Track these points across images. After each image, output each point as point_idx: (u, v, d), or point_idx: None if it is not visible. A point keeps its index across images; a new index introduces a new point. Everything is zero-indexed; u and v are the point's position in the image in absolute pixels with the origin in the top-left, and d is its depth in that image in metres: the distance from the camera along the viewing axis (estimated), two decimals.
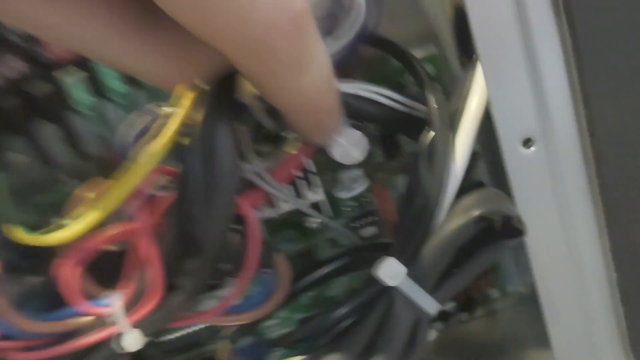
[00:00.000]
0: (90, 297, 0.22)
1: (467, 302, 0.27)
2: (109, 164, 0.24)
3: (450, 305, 0.26)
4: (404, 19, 0.25)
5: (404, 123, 0.22)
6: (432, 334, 0.26)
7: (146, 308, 0.21)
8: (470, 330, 0.29)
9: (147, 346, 0.27)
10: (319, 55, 0.17)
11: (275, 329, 0.28)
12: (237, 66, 0.16)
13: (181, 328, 0.28)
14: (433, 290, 0.20)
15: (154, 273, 0.21)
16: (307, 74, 0.16)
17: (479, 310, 0.29)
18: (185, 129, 0.20)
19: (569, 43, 0.18)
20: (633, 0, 0.18)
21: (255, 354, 0.28)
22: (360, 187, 0.25)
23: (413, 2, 0.25)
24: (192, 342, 0.28)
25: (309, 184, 0.23)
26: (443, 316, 0.26)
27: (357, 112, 0.21)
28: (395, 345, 0.20)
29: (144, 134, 0.22)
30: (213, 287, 0.25)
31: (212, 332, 0.28)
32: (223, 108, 0.18)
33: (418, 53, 0.25)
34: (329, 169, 0.25)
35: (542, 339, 0.23)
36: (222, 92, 0.18)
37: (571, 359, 0.23)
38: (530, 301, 0.23)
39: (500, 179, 0.22)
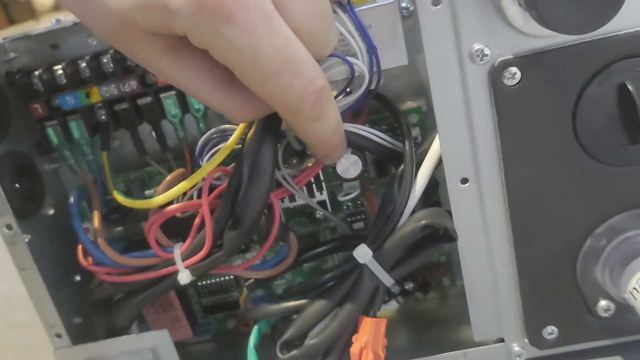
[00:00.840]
0: (161, 245, 0.32)
1: (424, 285, 0.37)
2: (184, 157, 0.34)
3: (410, 286, 0.36)
4: (403, 77, 0.35)
5: (387, 155, 0.32)
6: (394, 305, 0.36)
7: (196, 258, 0.31)
8: (425, 307, 0.39)
9: (190, 286, 0.38)
10: (332, 111, 0.27)
11: (281, 287, 0.39)
12: (280, 115, 0.26)
13: (216, 276, 0.38)
14: (390, 269, 0.30)
15: (206, 235, 0.31)
16: (322, 124, 0.26)
17: (433, 294, 0.39)
18: (241, 142, 0.30)
19: (497, 124, 0.28)
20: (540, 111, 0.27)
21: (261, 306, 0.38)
22: (355, 193, 0.35)
23: (413, 66, 0.34)
24: (221, 288, 0.39)
25: (318, 187, 0.33)
26: (404, 293, 0.36)
27: (356, 144, 0.31)
28: (360, 301, 0.30)
29: (212, 142, 0.32)
30: (242, 251, 0.36)
31: (236, 283, 0.39)
32: (269, 132, 0.28)
33: (410, 104, 0.35)
34: (334, 178, 0.35)
35: None
36: (269, 123, 0.28)
37: (484, 333, 0.33)
38: None
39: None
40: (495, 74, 0.27)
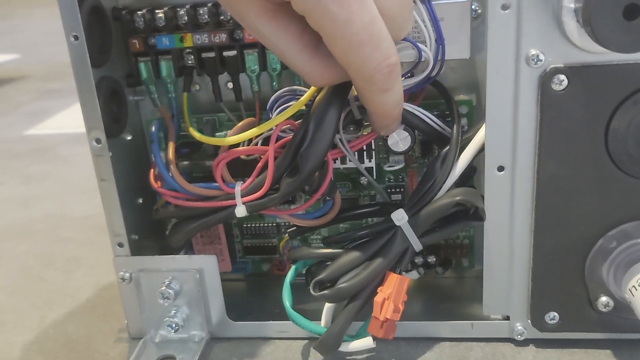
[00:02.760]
0: (225, 180, 0.36)
1: (445, 261, 0.41)
2: (254, 108, 0.39)
3: (432, 260, 0.40)
4: (460, 72, 0.38)
5: (435, 136, 0.36)
6: (415, 275, 0.40)
7: (254, 196, 0.36)
8: (442, 283, 0.43)
9: (235, 227, 0.43)
10: (398, 87, 0.31)
11: (317, 241, 0.43)
12: (352, 82, 0.30)
13: (261, 220, 0.43)
14: (420, 235, 0.34)
15: (267, 177, 0.35)
16: (387, 96, 0.30)
17: (451, 273, 0.43)
18: (310, 102, 0.34)
19: (539, 122, 0.32)
20: (581, 112, 0.31)
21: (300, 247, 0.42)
22: (399, 166, 0.39)
23: (471, 63, 0.38)
24: (263, 233, 0.43)
25: (368, 155, 0.37)
26: (426, 265, 0.40)
27: (409, 122, 0.35)
28: (389, 258, 0.34)
29: (283, 99, 0.36)
30: (290, 202, 0.40)
31: (277, 230, 0.43)
32: (337, 97, 0.33)
33: (462, 96, 0.39)
34: (383, 151, 0.39)
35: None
36: (338, 90, 0.32)
37: (492, 309, 0.37)
38: None
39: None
40: (546, 78, 0.31)
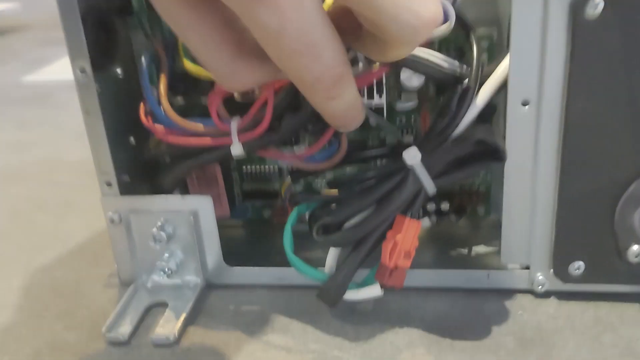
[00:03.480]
0: (221, 117, 0.33)
1: (459, 208, 0.38)
2: None
3: (445, 206, 0.37)
4: (481, 5, 0.35)
5: (449, 81, 0.32)
6: (427, 223, 0.37)
7: (252, 134, 0.33)
8: (456, 231, 0.40)
9: (234, 170, 0.40)
10: (347, 94, 0.26)
11: (321, 185, 0.40)
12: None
13: (261, 163, 0.40)
14: (435, 177, 0.31)
15: (266, 113, 0.32)
16: (335, 104, 0.26)
17: (465, 221, 0.40)
18: None
19: (570, 52, 0.28)
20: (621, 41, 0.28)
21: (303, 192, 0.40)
22: (413, 103, 0.36)
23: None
24: (264, 177, 0.40)
25: (379, 90, 0.34)
26: (439, 212, 0.37)
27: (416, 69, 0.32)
28: (400, 201, 0.31)
29: None
30: (293, 143, 0.37)
31: (279, 174, 0.40)
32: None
33: (483, 31, 0.35)
34: (394, 89, 0.36)
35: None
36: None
37: (511, 257, 0.34)
38: None
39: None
40: (578, 2, 0.27)
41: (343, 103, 0.26)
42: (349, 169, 0.39)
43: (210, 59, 0.25)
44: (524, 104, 0.30)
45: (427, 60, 0.31)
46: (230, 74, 0.26)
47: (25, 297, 0.37)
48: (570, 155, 0.30)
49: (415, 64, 0.31)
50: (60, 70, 0.93)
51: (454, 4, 0.29)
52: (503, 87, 0.31)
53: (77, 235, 0.44)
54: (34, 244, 0.43)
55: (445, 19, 0.29)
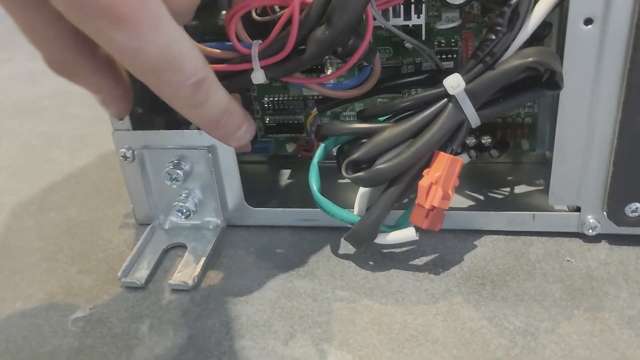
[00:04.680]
0: (240, 39, 0.30)
1: (502, 143, 0.34)
2: None
3: (487, 140, 0.34)
4: None
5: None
6: (466, 158, 0.34)
7: (275, 58, 0.29)
8: (497, 168, 0.37)
9: (255, 101, 0.37)
10: (214, 98, 0.25)
11: (351, 118, 0.37)
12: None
13: (284, 94, 0.36)
14: (479, 108, 0.28)
15: (290, 34, 0.28)
16: (203, 110, 0.25)
17: (509, 157, 0.37)
18: None
19: None
20: None
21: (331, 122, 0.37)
22: (454, 24, 0.32)
23: None
24: (287, 108, 0.37)
25: (417, 10, 0.30)
26: (479, 147, 0.34)
27: None
28: (440, 134, 0.28)
29: None
30: (320, 69, 0.34)
31: (304, 105, 0.37)
32: None
33: None
34: (433, 8, 0.32)
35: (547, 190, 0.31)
36: None
37: (561, 198, 0.30)
38: (550, 165, 0.30)
39: (561, 48, 0.28)
40: None
41: (212, 109, 0.26)
42: (380, 99, 0.35)
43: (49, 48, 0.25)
44: (587, 22, 0.26)
45: None
46: (62, 61, 0.25)
47: (39, 238, 0.35)
48: (637, 84, 0.27)
49: None
50: None
51: None
52: (561, 2, 0.27)
53: (92, 173, 0.41)
54: (48, 182, 0.41)
55: None
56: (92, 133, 0.47)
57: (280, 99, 0.37)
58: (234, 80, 0.31)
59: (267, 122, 0.38)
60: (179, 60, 0.23)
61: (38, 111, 0.52)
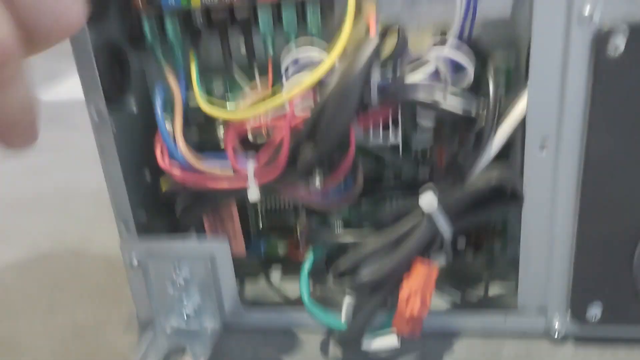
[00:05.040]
0: (237, 156, 0.33)
1: (476, 245, 0.38)
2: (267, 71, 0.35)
3: (461, 243, 0.37)
4: (497, 28, 0.34)
5: (462, 121, 0.32)
6: (442, 261, 0.37)
7: (268, 177, 0.33)
8: (472, 268, 0.40)
9: (250, 209, 0.40)
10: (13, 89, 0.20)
11: (337, 218, 0.40)
12: None
13: (276, 199, 0.40)
14: (452, 221, 0.31)
15: (281, 155, 0.32)
16: None
17: (482, 257, 0.40)
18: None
19: (590, 91, 0.28)
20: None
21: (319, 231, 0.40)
22: (428, 144, 0.35)
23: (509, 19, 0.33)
24: (278, 212, 0.40)
25: (395, 132, 0.34)
26: (455, 250, 0.37)
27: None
28: (417, 246, 0.31)
29: (298, 64, 0.33)
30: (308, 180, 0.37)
31: (294, 209, 0.40)
32: (365, 71, 0.29)
33: (500, 59, 0.35)
34: (413, 127, 0.36)
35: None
36: (366, 65, 0.29)
37: (528, 298, 0.33)
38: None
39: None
40: (601, 40, 0.27)
41: (14, 98, 0.21)
42: (364, 205, 0.38)
43: None
44: (542, 147, 0.30)
45: (443, 104, 0.31)
46: None
47: (47, 338, 0.37)
48: (589, 198, 0.30)
49: (430, 107, 0.31)
50: (72, 88, 0.93)
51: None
52: (520, 125, 0.31)
53: (97, 273, 0.44)
54: (54, 282, 0.44)
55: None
56: (96, 232, 0.50)
57: (273, 204, 0.40)
58: (233, 194, 0.34)
59: (259, 225, 0.41)
60: None
61: (42, 208, 0.55)
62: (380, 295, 0.31)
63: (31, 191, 0.59)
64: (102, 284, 0.43)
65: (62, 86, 0.94)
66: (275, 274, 0.41)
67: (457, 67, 0.31)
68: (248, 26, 0.33)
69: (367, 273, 0.31)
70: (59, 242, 0.49)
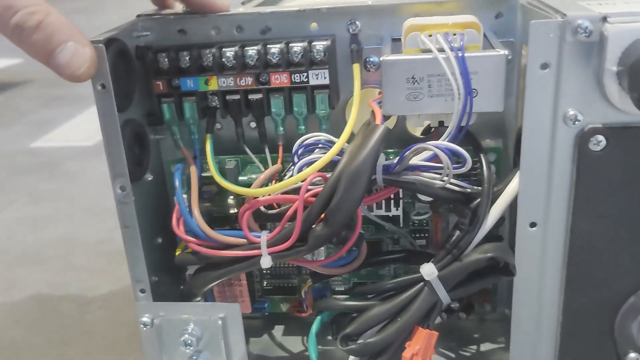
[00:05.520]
0: (251, 229, 0.36)
1: (467, 306, 0.40)
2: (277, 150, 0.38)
3: (455, 305, 0.40)
4: (487, 116, 0.37)
5: (458, 201, 0.35)
6: (437, 319, 0.40)
7: (280, 247, 0.35)
8: (465, 327, 0.42)
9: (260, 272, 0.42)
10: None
11: (337, 283, 0.42)
12: None
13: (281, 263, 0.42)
14: (450, 290, 0.34)
15: (295, 229, 0.34)
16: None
17: (474, 316, 0.43)
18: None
19: (574, 181, 0.31)
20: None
21: (321, 294, 0.42)
22: (425, 216, 0.38)
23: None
24: (283, 274, 0.43)
25: (396, 204, 0.37)
26: (449, 310, 0.40)
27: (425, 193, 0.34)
28: (418, 312, 0.34)
29: (308, 146, 0.36)
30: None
31: (297, 271, 0.42)
32: (373, 155, 0.32)
33: (491, 143, 0.38)
34: (412, 198, 0.39)
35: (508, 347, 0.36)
36: (375, 148, 0.32)
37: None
38: (509, 321, 0.36)
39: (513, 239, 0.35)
40: (583, 138, 0.30)
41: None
42: (365, 271, 0.41)
43: None
44: (532, 226, 0.33)
45: (440, 186, 0.34)
46: None
47: None
48: (574, 272, 0.33)
49: (428, 189, 0.34)
50: (67, 135, 0.95)
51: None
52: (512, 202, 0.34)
53: (103, 327, 0.45)
54: (61, 336, 0.45)
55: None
56: (99, 284, 0.51)
57: (278, 266, 0.42)
58: (244, 263, 0.36)
59: (264, 285, 0.43)
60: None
61: (43, 261, 0.57)
62: (384, 359, 0.34)
63: (32, 243, 0.60)
64: (109, 338, 0.44)
65: (53, 134, 0.96)
66: (278, 330, 0.43)
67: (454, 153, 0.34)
68: (261, 108, 0.36)
69: (372, 338, 0.34)
70: (62, 296, 0.51)
